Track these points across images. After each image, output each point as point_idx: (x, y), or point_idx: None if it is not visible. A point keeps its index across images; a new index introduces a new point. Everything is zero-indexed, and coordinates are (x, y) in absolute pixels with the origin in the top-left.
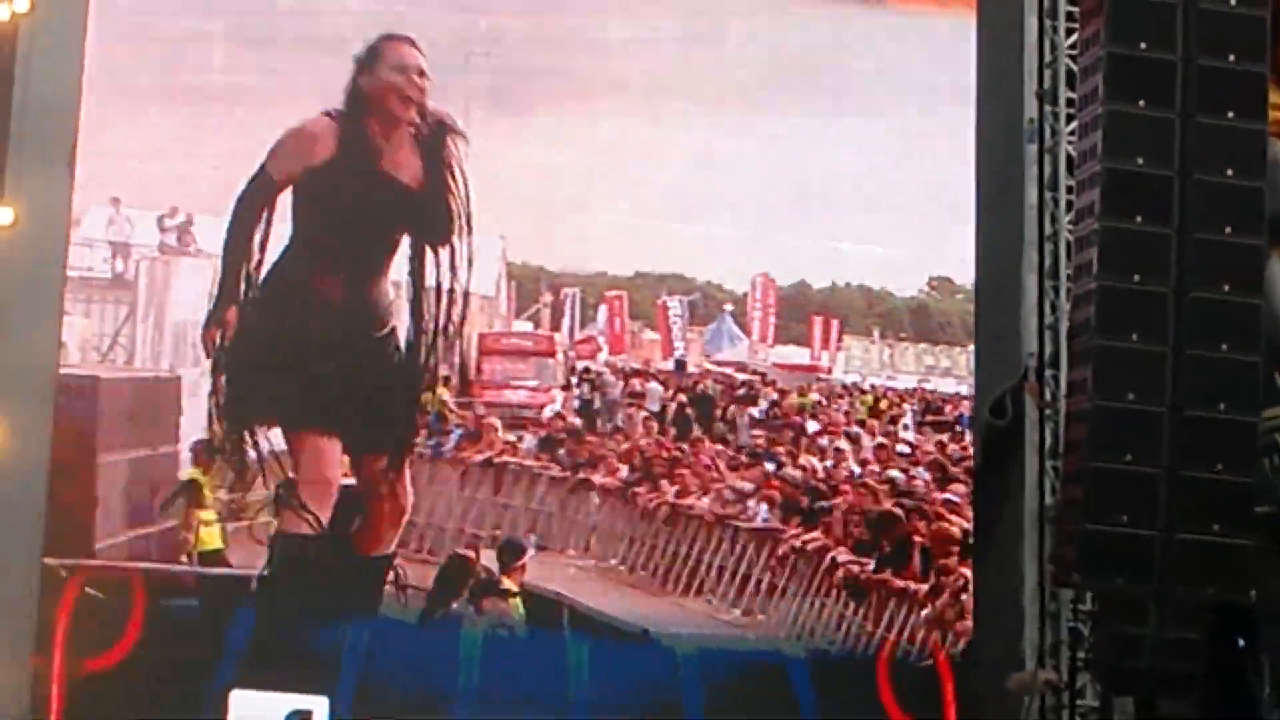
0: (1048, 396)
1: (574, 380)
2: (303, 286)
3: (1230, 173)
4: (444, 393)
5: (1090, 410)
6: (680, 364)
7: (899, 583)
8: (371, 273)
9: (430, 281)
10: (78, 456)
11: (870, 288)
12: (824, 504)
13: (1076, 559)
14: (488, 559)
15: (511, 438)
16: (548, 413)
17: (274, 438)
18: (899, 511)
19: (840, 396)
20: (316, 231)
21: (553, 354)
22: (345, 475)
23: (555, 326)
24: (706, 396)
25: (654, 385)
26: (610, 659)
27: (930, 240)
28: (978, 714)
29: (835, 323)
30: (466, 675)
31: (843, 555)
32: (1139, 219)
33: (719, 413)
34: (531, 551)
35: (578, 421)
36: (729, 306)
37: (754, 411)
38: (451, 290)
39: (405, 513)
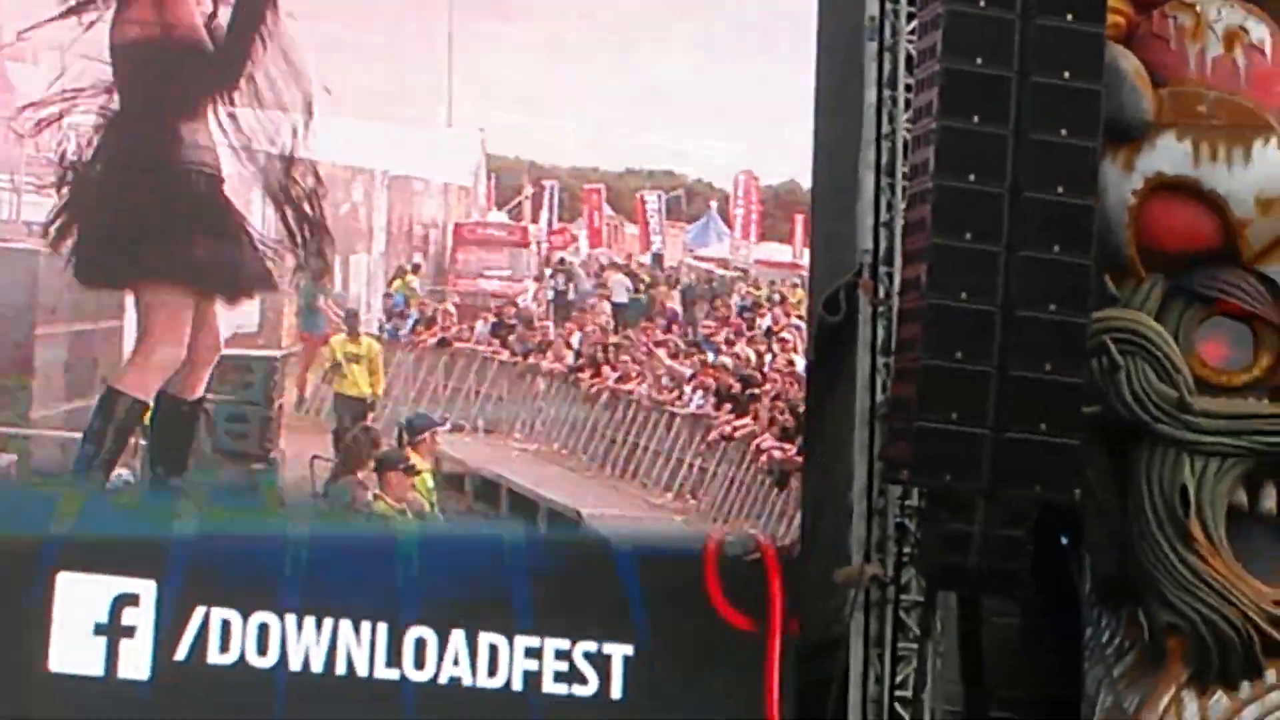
0: (881, 294)
1: (548, 272)
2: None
3: (1068, 75)
4: (414, 279)
5: (923, 308)
6: (657, 257)
7: None
8: (191, 119)
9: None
10: (14, 328)
11: None
12: (754, 391)
13: (906, 456)
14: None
15: (468, 323)
16: (521, 303)
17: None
18: None
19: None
20: (132, 92)
21: (526, 245)
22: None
23: (536, 219)
24: (683, 290)
25: (619, 277)
26: (442, 548)
27: (767, 137)
28: (803, 608)
29: None
30: (294, 559)
31: (767, 441)
32: (976, 119)
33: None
34: (445, 427)
35: (534, 307)
36: (713, 203)
37: (714, 304)
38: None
39: (218, 349)
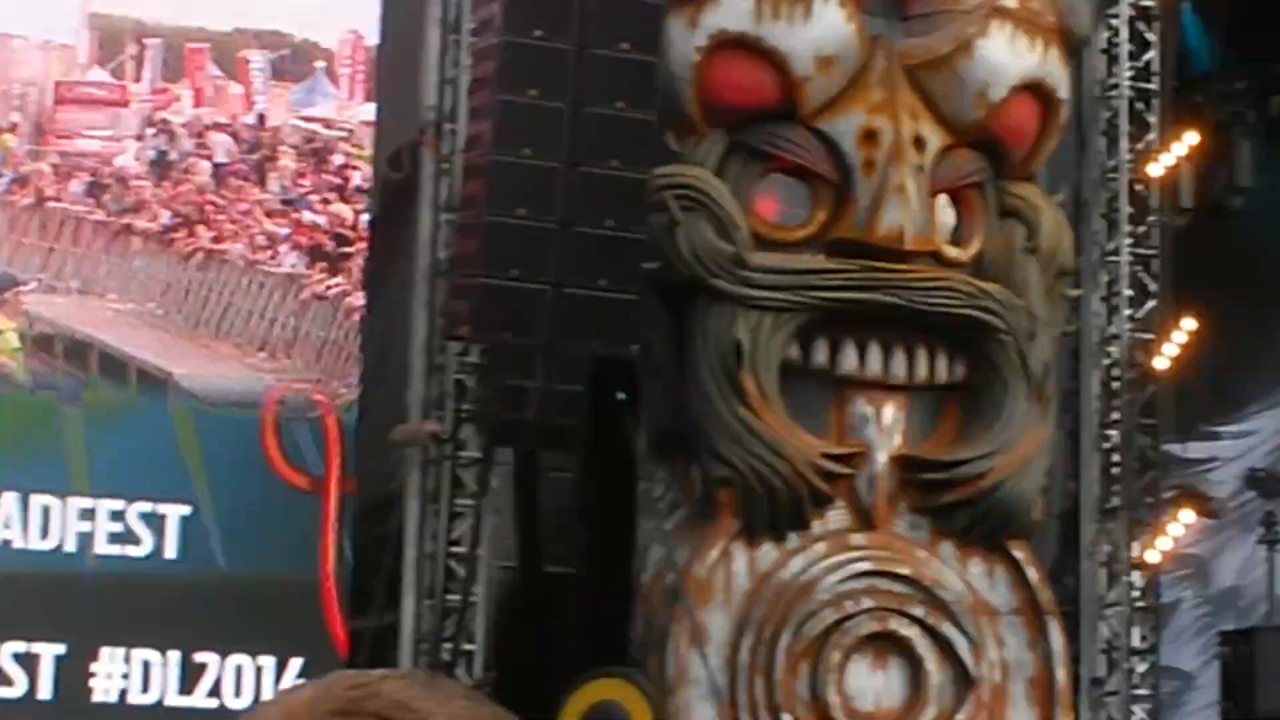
0: (445, 150)
1: (150, 131)
2: None
3: None
4: (10, 139)
5: (487, 165)
6: (260, 118)
7: None
8: None
9: None
10: None
11: None
12: (347, 250)
13: (467, 312)
14: None
15: (64, 183)
16: (119, 162)
17: None
18: None
19: None
20: None
21: (126, 104)
22: None
23: (138, 78)
24: (285, 149)
25: (221, 137)
26: None
27: None
28: (361, 466)
29: None
30: None
31: (358, 300)
32: None
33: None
34: (29, 286)
35: (132, 166)
36: (320, 63)
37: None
38: None
39: None
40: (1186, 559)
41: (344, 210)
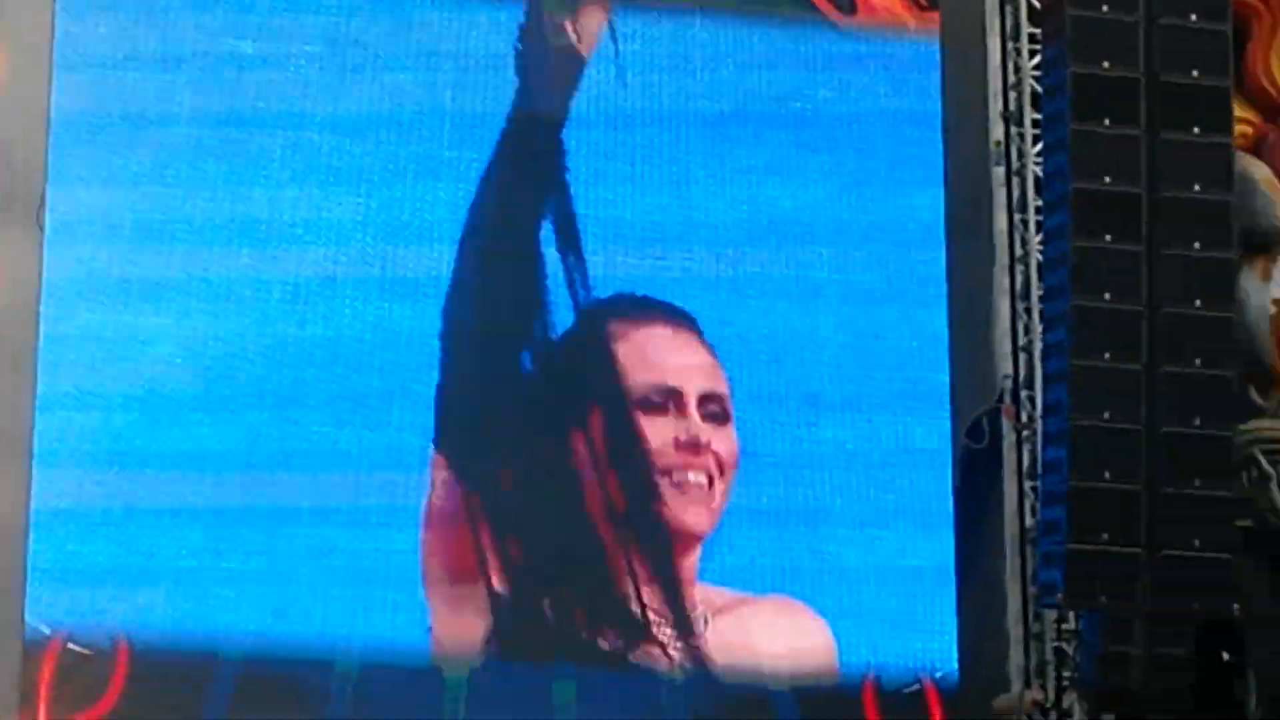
0: (1024, 418)
1: None
2: None
3: (1197, 188)
4: None
5: (1067, 430)
6: None
7: None
8: None
9: None
10: None
11: None
12: None
13: (1060, 580)
14: None
15: None
16: None
17: None
18: None
19: None
20: None
21: None
22: None
23: None
24: None
25: None
26: None
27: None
28: None
29: None
30: None
31: None
32: (1109, 238)
33: None
34: None
35: None
36: None
37: None
38: None
39: None
40: None
41: None
